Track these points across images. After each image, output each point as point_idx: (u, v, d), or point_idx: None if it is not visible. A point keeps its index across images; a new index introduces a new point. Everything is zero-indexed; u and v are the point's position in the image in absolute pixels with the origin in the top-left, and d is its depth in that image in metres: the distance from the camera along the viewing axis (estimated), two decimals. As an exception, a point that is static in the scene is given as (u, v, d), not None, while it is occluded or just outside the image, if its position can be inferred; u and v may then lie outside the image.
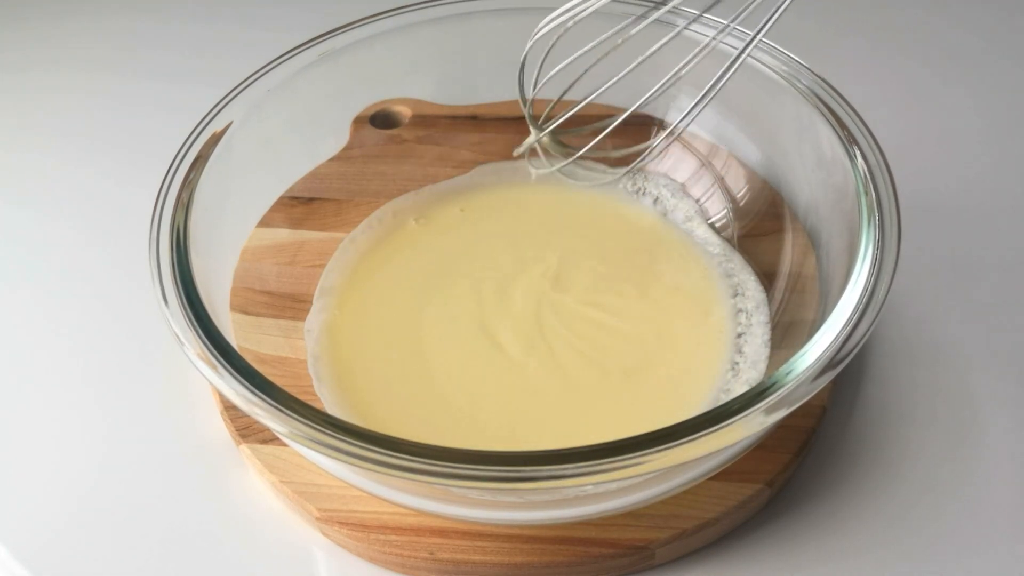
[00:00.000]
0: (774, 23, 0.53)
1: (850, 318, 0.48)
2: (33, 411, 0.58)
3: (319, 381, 0.56)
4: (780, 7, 0.53)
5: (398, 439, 0.44)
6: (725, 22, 0.56)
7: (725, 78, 0.55)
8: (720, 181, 0.63)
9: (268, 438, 0.54)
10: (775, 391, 0.45)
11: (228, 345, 0.48)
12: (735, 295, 0.59)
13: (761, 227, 0.61)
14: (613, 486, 0.47)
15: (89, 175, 0.71)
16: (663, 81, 0.55)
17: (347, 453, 0.44)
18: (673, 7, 0.54)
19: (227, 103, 0.58)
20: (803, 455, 0.54)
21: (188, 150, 0.56)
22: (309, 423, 0.45)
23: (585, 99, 0.57)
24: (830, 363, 0.46)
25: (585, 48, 0.56)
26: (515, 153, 0.61)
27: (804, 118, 0.57)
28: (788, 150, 0.58)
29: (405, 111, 0.68)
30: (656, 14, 0.55)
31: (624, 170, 0.64)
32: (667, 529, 0.51)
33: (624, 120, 0.60)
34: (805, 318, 0.54)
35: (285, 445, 0.53)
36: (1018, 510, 0.53)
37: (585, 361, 0.56)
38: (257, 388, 0.46)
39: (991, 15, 0.80)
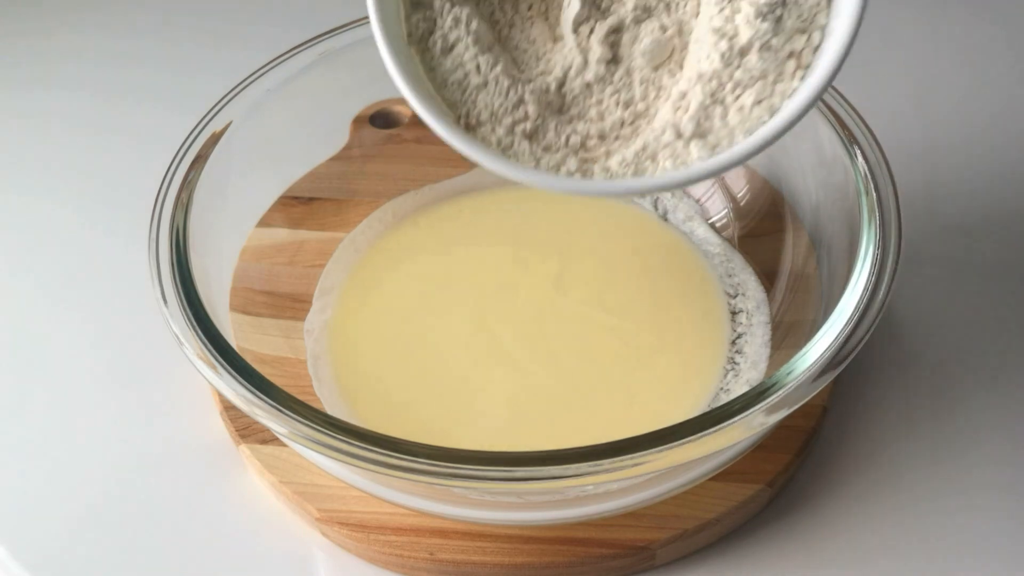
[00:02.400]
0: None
1: (851, 318, 0.48)
2: (32, 411, 0.58)
3: (319, 381, 0.56)
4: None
5: (398, 439, 0.44)
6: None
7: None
8: (720, 181, 0.63)
9: (268, 438, 0.54)
10: (776, 391, 0.45)
11: (228, 345, 0.48)
12: (735, 295, 0.59)
13: (761, 227, 0.61)
14: (613, 486, 0.47)
15: (88, 175, 0.71)
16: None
17: (347, 453, 0.44)
18: None
19: (227, 103, 0.58)
20: (804, 455, 0.54)
21: (187, 150, 0.56)
22: (309, 423, 0.45)
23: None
24: (831, 363, 0.46)
25: None
26: None
27: (804, 118, 0.57)
28: (788, 150, 0.58)
29: (405, 111, 0.68)
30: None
31: None
32: (667, 529, 0.50)
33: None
34: (806, 318, 0.54)
35: (285, 445, 0.53)
36: (1018, 510, 0.53)
37: (585, 361, 0.56)
38: (257, 388, 0.46)
39: (993, 13, 0.80)
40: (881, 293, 0.48)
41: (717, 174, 0.45)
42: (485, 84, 0.46)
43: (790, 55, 0.45)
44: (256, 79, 0.59)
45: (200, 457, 0.56)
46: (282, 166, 0.63)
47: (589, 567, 0.50)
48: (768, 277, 0.59)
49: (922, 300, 0.61)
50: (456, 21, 0.46)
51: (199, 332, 0.48)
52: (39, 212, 0.69)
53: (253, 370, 0.47)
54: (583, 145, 0.46)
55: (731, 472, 0.51)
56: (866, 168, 0.53)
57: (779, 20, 0.44)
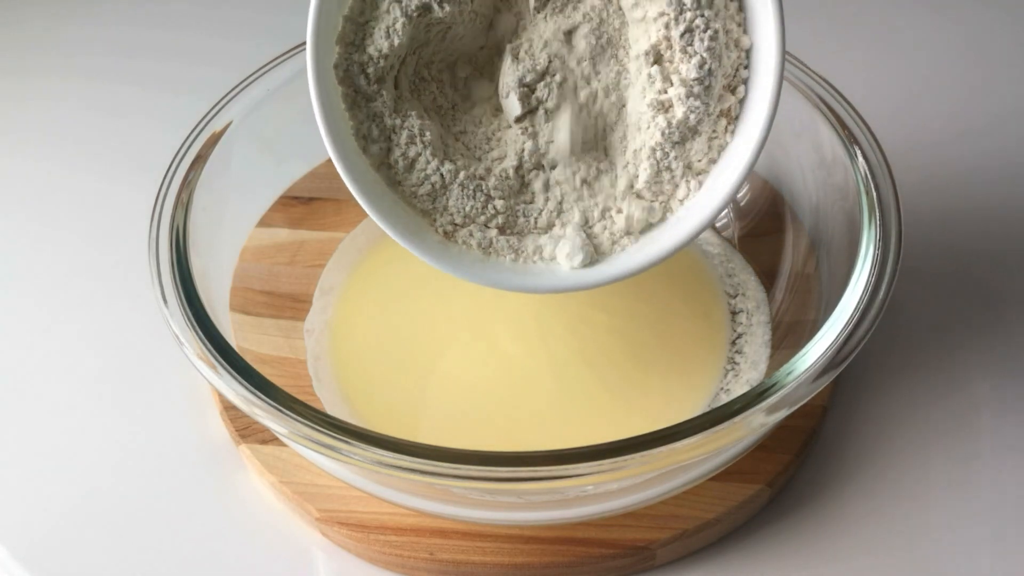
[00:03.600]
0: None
1: (851, 318, 0.48)
2: (32, 411, 0.58)
3: (319, 381, 0.56)
4: None
5: (398, 439, 0.44)
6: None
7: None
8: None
9: (268, 438, 0.54)
10: (776, 391, 0.45)
11: (227, 345, 0.48)
12: (735, 295, 0.59)
13: (761, 227, 0.61)
14: (613, 486, 0.47)
15: (88, 175, 0.71)
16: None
17: (347, 453, 0.44)
18: None
19: (227, 103, 0.58)
20: (804, 455, 0.54)
21: (187, 150, 0.56)
22: (309, 423, 0.45)
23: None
24: (831, 363, 0.46)
25: None
26: None
27: (804, 118, 0.57)
28: (788, 150, 0.58)
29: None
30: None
31: None
32: (667, 529, 0.50)
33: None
34: (806, 318, 0.54)
35: (285, 445, 0.53)
36: (1019, 509, 0.53)
37: (585, 361, 0.56)
38: (257, 388, 0.46)
39: (992, 14, 0.80)
40: (881, 293, 0.48)
41: (685, 245, 0.48)
42: (452, 191, 0.49)
43: (721, 114, 0.48)
44: (257, 78, 0.59)
45: (200, 457, 0.56)
46: (282, 166, 0.63)
47: (589, 567, 0.50)
48: (768, 277, 0.59)
49: (922, 300, 0.61)
50: (411, 137, 0.49)
51: (199, 332, 0.48)
52: (38, 211, 0.69)
53: (253, 370, 0.47)
54: (550, 222, 0.49)
55: (731, 472, 0.51)
56: (866, 168, 0.53)
57: (708, 88, 0.47)
